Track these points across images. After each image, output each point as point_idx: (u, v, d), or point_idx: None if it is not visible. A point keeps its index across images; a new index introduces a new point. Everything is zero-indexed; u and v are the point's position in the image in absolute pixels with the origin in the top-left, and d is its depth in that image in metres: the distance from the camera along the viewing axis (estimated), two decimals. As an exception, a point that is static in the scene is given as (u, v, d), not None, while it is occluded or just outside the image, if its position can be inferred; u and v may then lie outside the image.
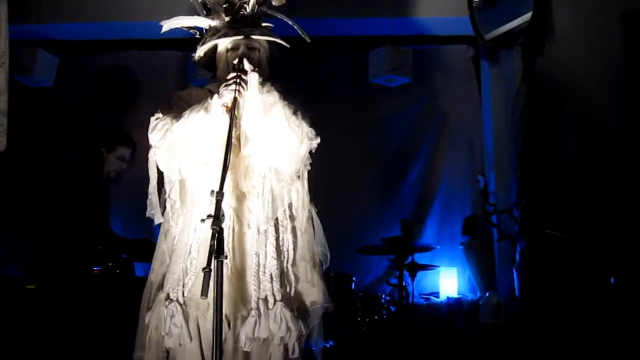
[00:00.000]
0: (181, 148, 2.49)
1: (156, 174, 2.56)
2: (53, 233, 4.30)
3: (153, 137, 2.52)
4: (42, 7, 5.42)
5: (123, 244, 4.52)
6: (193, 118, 2.46)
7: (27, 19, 5.33)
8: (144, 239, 4.35)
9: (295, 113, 2.48)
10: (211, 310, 2.22)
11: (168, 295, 2.45)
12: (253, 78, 2.46)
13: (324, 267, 2.60)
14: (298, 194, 2.57)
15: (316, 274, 2.55)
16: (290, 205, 2.55)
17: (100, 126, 5.25)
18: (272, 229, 2.48)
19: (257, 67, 2.52)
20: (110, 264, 4.33)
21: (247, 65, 2.47)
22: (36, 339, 3.91)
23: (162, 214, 2.59)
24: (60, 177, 4.45)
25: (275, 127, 2.46)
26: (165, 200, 2.59)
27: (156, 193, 2.56)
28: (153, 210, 2.57)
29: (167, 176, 2.56)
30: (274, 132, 2.46)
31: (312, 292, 2.53)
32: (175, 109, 2.57)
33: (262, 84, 2.48)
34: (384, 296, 4.86)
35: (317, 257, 2.58)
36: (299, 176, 2.58)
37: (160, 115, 2.54)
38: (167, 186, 2.57)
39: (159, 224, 2.65)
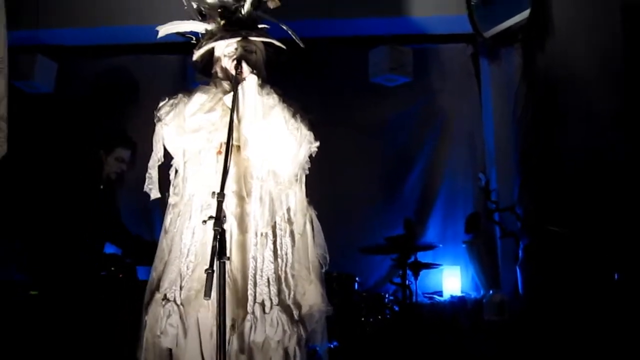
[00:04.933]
0: (191, 118, 2.52)
1: (161, 149, 2.57)
2: (56, 238, 4.29)
3: (161, 112, 2.55)
4: (40, 13, 5.42)
5: (139, 242, 4.52)
6: (199, 90, 2.54)
7: (25, 24, 5.33)
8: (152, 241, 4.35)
9: (294, 116, 2.48)
10: (205, 311, 2.22)
11: (165, 295, 2.44)
12: (252, 80, 2.46)
13: (323, 270, 2.59)
14: (296, 198, 2.56)
15: (315, 277, 2.54)
16: (288, 209, 2.55)
17: (100, 130, 5.25)
18: (270, 233, 2.48)
19: (255, 69, 2.52)
20: (112, 268, 4.33)
21: (245, 68, 2.47)
22: (39, 345, 3.90)
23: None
24: (61, 182, 4.46)
25: (274, 130, 2.45)
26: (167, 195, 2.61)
27: (156, 168, 2.59)
28: (151, 185, 2.59)
29: (174, 161, 2.59)
30: (273, 134, 2.46)
31: (311, 295, 2.52)
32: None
33: (262, 86, 2.48)
34: (387, 296, 4.85)
35: (316, 260, 2.57)
36: (297, 179, 2.58)
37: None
38: (172, 172, 2.58)
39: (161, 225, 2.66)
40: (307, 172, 2.62)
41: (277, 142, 2.47)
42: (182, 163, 2.56)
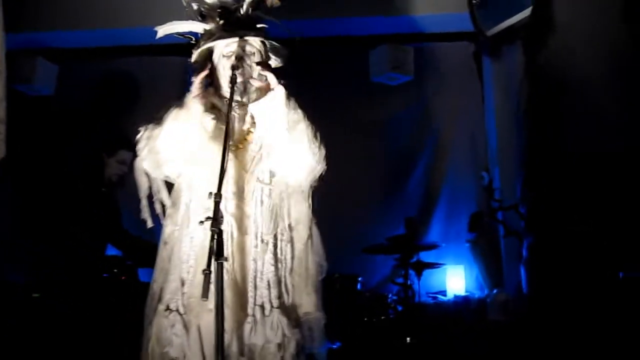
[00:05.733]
0: (164, 151, 2.51)
1: (146, 181, 2.57)
2: (57, 240, 4.29)
3: (139, 146, 2.55)
4: (41, 15, 5.43)
5: (141, 245, 4.50)
6: (170, 118, 2.51)
7: (26, 27, 5.33)
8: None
9: (315, 135, 2.51)
10: (209, 316, 2.21)
11: (168, 306, 2.44)
12: (280, 91, 2.46)
13: (320, 278, 2.60)
14: (302, 209, 2.57)
15: (311, 285, 2.55)
16: (290, 217, 2.56)
17: (101, 132, 5.24)
18: (271, 238, 2.48)
19: (252, 69, 2.56)
20: (115, 270, 4.32)
21: (273, 79, 2.46)
22: (41, 346, 3.90)
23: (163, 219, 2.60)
24: (62, 184, 4.46)
25: (296, 145, 2.47)
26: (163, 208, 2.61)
27: (146, 198, 2.58)
28: (146, 214, 2.59)
29: (158, 182, 2.58)
30: (294, 149, 2.47)
31: (306, 303, 2.53)
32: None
33: (288, 98, 2.49)
34: (390, 296, 4.83)
35: (314, 269, 2.57)
36: (303, 192, 2.58)
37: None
38: (159, 192, 2.58)
39: (161, 228, 2.66)
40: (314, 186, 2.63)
41: (296, 157, 2.48)
42: (176, 182, 2.58)
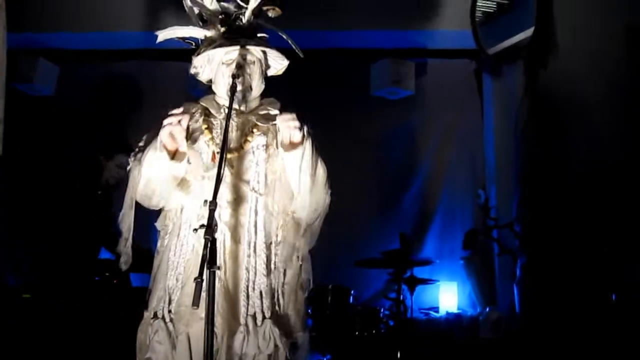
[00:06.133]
0: (144, 189, 2.49)
1: (131, 211, 2.52)
2: (52, 241, 4.29)
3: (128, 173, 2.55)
4: (44, 16, 5.43)
5: (134, 249, 4.48)
6: (146, 159, 2.47)
7: (29, 27, 5.34)
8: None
9: (328, 176, 2.54)
10: (200, 325, 2.19)
11: (155, 313, 2.42)
12: (308, 146, 2.45)
13: (305, 295, 2.60)
14: (304, 242, 2.58)
15: (298, 303, 2.54)
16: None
17: (100, 135, 5.24)
18: (264, 249, 2.47)
19: (252, 79, 2.55)
20: (107, 273, 4.31)
21: (297, 135, 2.44)
22: (31, 347, 3.88)
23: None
24: (59, 185, 4.47)
25: (315, 188, 2.49)
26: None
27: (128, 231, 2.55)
28: (122, 248, 2.56)
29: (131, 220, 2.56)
30: (313, 192, 2.49)
31: (292, 319, 2.52)
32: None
33: (313, 145, 2.48)
34: (382, 310, 4.82)
35: (300, 289, 2.57)
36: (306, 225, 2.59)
37: (132, 157, 2.56)
38: (126, 228, 2.55)
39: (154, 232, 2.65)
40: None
41: (312, 199, 2.50)
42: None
